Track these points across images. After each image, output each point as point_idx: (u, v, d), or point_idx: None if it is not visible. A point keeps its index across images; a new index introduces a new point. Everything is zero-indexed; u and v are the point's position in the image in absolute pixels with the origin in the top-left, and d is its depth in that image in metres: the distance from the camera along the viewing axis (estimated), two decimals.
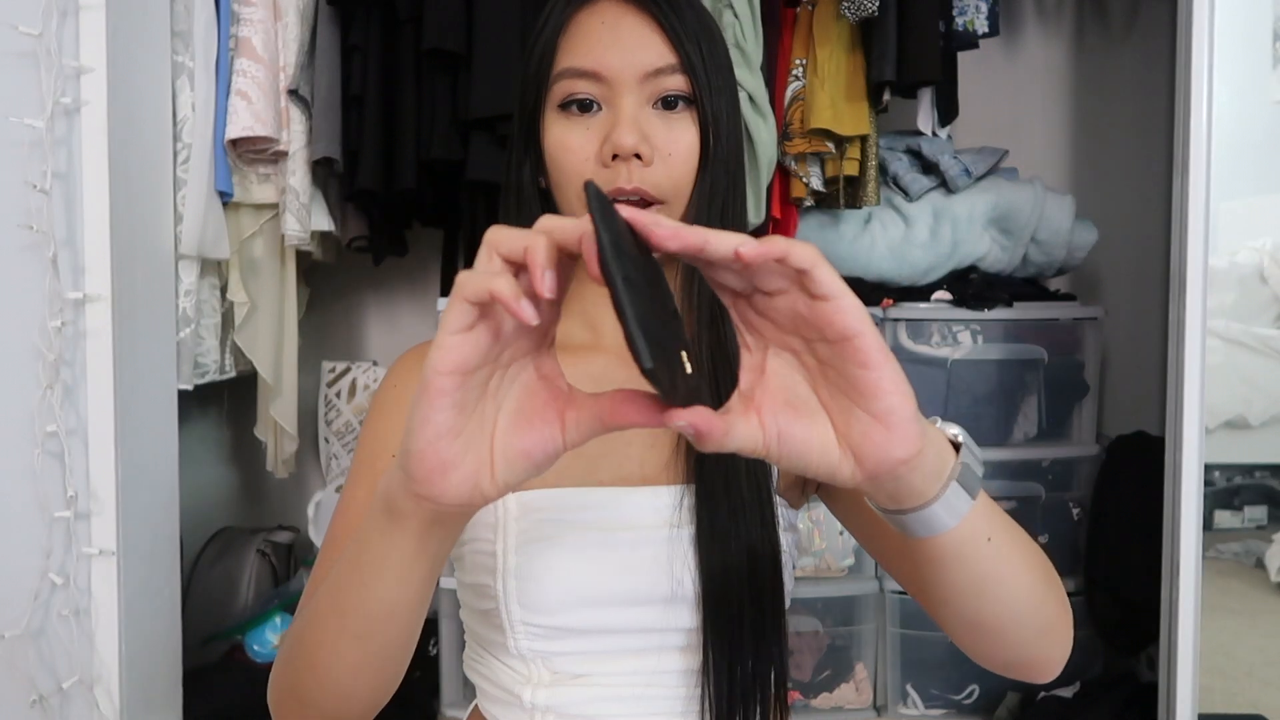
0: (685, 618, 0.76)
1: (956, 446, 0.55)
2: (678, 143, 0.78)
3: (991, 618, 0.62)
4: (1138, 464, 1.94)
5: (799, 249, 0.45)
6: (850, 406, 0.48)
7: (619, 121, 0.76)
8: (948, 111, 2.00)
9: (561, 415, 0.49)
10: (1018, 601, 0.62)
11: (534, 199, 0.83)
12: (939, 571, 0.58)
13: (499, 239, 0.46)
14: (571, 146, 0.78)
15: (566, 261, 0.46)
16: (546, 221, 0.46)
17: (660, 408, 0.45)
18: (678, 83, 0.77)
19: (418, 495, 0.50)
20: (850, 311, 0.46)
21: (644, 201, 0.77)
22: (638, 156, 0.76)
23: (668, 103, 0.78)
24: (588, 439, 0.49)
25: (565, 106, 0.78)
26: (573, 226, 0.45)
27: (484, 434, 0.49)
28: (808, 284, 0.46)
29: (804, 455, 0.48)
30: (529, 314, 0.43)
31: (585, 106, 0.78)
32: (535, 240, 0.45)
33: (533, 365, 0.50)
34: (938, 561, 0.57)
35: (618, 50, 0.77)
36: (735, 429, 0.47)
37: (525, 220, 0.83)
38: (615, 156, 0.76)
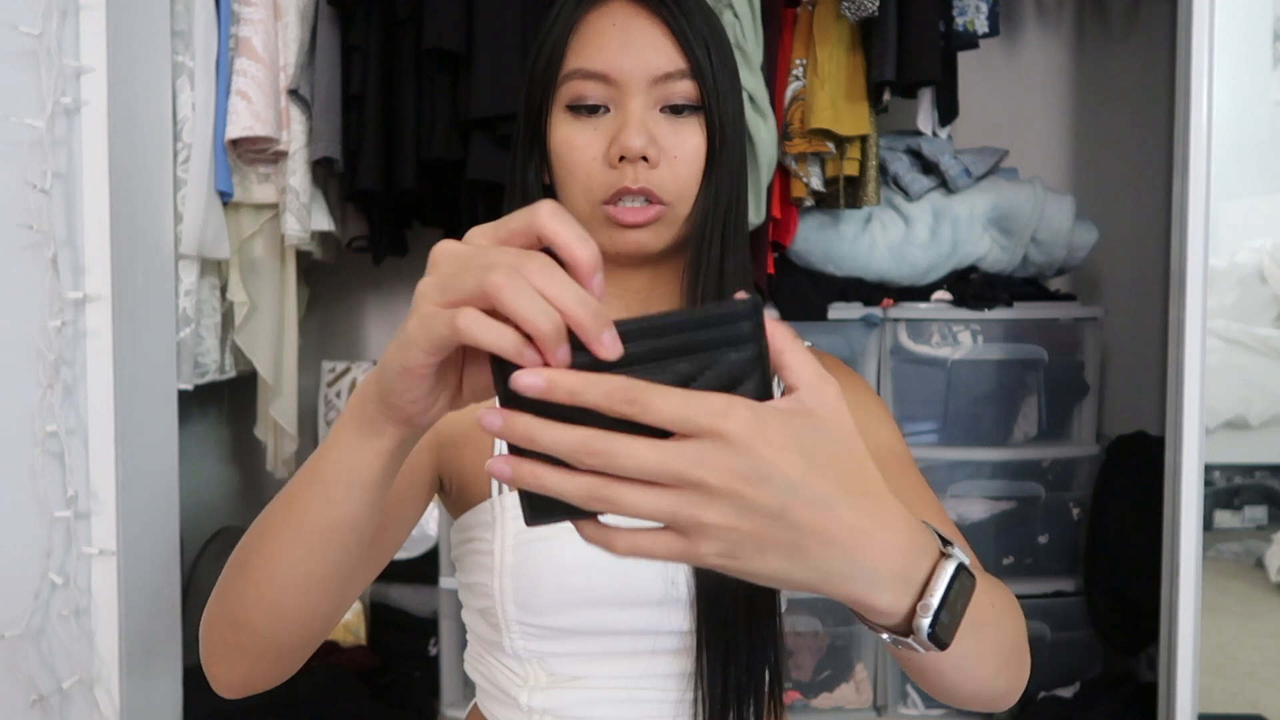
0: (679, 620, 0.76)
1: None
2: (684, 146, 0.78)
3: (947, 694, 0.63)
4: (1138, 464, 1.93)
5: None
6: None
7: (627, 124, 0.76)
8: (948, 111, 2.00)
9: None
10: (975, 684, 0.62)
11: (539, 198, 0.83)
12: (904, 657, 0.58)
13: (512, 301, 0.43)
14: (578, 146, 0.78)
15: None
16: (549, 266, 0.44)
17: None
18: (686, 88, 0.78)
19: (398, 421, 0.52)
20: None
21: (650, 200, 0.77)
22: (644, 159, 0.76)
23: (675, 108, 0.78)
24: None
25: (574, 108, 0.78)
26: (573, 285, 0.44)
27: (454, 376, 0.52)
28: None
29: None
30: (533, 371, 0.43)
31: (593, 109, 0.78)
32: (544, 316, 0.43)
33: None
34: (899, 653, 0.57)
35: (628, 53, 0.77)
36: None
37: None
38: (622, 158, 0.76)
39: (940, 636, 0.51)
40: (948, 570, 0.51)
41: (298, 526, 0.58)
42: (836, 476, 0.45)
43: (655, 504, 0.43)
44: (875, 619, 0.51)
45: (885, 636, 0.53)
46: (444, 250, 0.47)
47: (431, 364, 0.47)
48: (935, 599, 0.50)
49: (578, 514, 0.46)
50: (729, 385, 0.45)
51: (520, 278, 0.43)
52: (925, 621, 0.50)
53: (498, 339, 0.43)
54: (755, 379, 0.46)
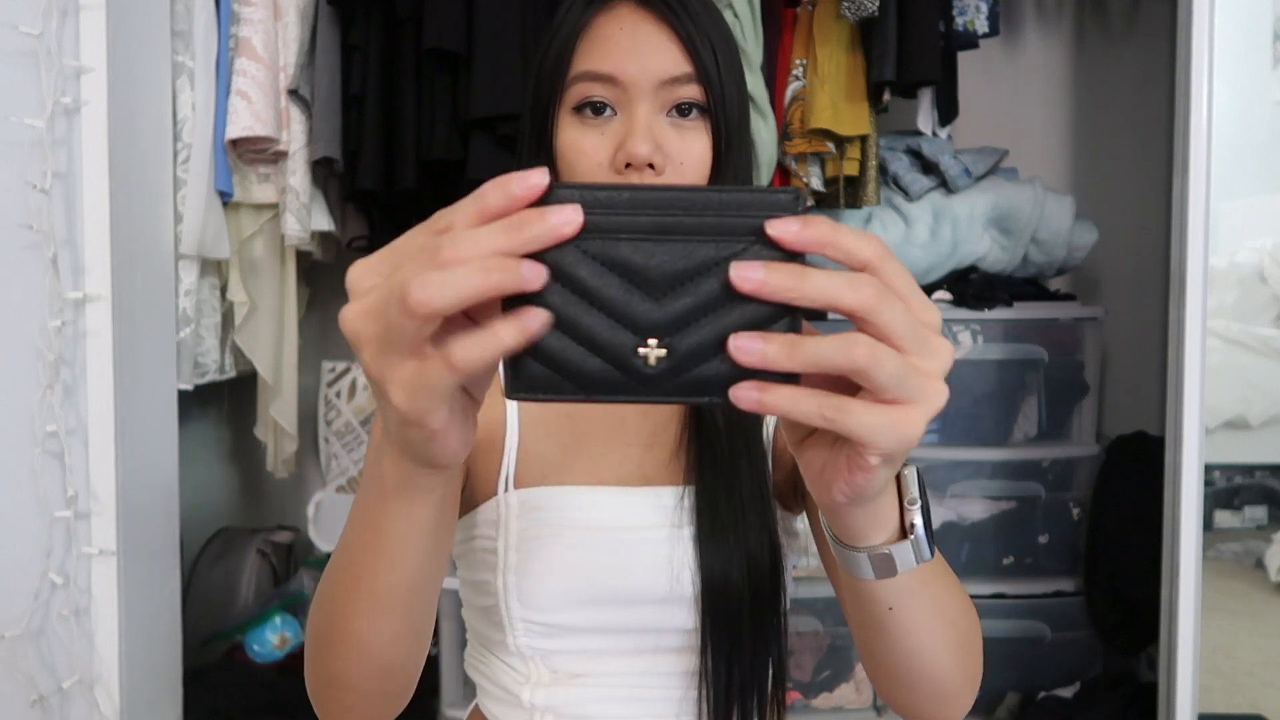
0: (683, 618, 0.76)
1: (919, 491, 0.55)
2: (690, 152, 0.78)
3: (899, 666, 0.63)
4: (1138, 464, 1.93)
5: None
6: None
7: (633, 129, 0.76)
8: (948, 111, 2.00)
9: None
10: (926, 661, 0.62)
11: None
12: (866, 608, 0.59)
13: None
14: (585, 150, 0.77)
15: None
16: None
17: None
18: (693, 92, 0.77)
19: (439, 466, 0.48)
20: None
21: None
22: (650, 166, 0.76)
23: (682, 110, 0.78)
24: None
25: (579, 109, 0.78)
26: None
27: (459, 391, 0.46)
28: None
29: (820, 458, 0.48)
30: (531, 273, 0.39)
31: (599, 110, 0.78)
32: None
33: None
34: (868, 598, 0.57)
35: (635, 56, 0.77)
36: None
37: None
38: (628, 165, 0.76)
39: (930, 543, 0.53)
40: (913, 472, 0.53)
41: (373, 599, 0.59)
42: None
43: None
44: (873, 525, 0.51)
45: (885, 550, 0.53)
46: (357, 280, 0.43)
47: (449, 409, 0.44)
48: (915, 491, 0.53)
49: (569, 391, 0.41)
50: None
51: (427, 266, 0.38)
52: (918, 520, 0.53)
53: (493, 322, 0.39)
54: None
